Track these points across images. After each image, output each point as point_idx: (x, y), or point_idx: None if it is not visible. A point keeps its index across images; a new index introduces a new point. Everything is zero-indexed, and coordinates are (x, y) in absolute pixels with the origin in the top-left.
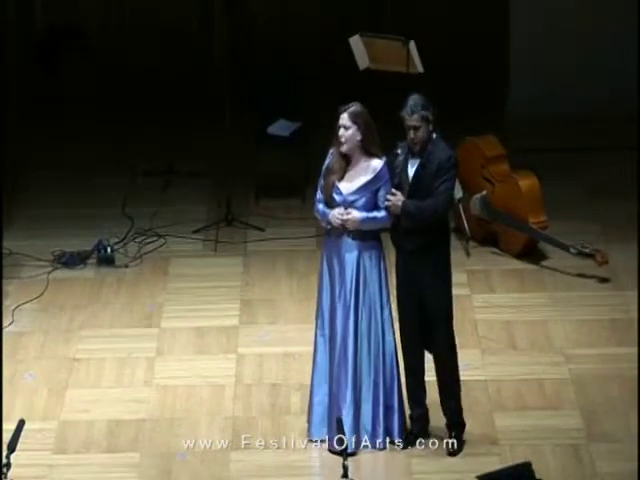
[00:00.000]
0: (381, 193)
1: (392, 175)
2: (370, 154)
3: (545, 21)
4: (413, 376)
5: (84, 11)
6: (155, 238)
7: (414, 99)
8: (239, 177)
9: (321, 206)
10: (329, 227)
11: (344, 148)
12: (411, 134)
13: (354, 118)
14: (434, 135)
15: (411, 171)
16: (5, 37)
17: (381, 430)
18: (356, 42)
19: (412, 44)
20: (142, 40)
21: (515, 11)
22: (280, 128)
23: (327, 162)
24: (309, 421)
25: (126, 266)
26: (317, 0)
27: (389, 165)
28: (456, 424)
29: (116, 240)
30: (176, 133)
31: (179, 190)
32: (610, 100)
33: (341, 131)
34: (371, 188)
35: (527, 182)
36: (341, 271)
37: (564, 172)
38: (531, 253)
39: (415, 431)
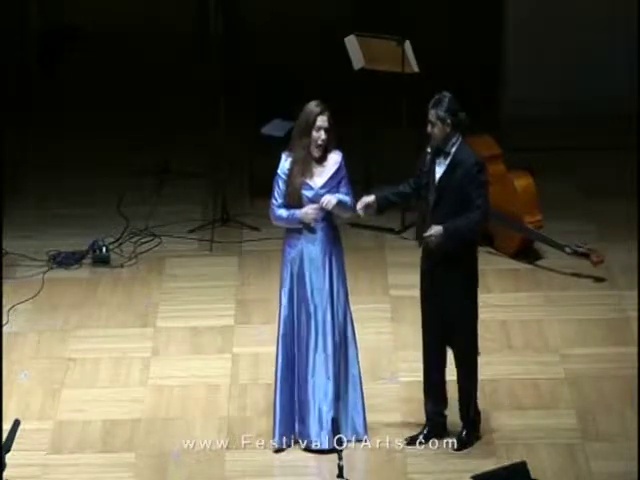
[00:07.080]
0: (343, 182)
1: (420, 173)
2: (330, 149)
3: (542, 20)
4: (436, 372)
5: (84, 11)
6: (150, 238)
7: (442, 96)
8: (234, 177)
9: (283, 210)
10: (300, 226)
11: (321, 151)
12: (428, 127)
13: (331, 119)
14: (456, 139)
15: (438, 172)
16: (5, 37)
17: (324, 433)
18: (351, 42)
19: (407, 44)
20: (140, 41)
21: (511, 10)
22: (274, 128)
23: (286, 168)
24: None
25: (121, 266)
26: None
27: (420, 162)
28: (470, 422)
29: (111, 240)
30: (172, 133)
31: (174, 190)
32: (609, 100)
33: (322, 134)
34: (336, 179)
35: (522, 182)
36: (310, 271)
37: (560, 172)
38: (526, 253)
39: (428, 429)
